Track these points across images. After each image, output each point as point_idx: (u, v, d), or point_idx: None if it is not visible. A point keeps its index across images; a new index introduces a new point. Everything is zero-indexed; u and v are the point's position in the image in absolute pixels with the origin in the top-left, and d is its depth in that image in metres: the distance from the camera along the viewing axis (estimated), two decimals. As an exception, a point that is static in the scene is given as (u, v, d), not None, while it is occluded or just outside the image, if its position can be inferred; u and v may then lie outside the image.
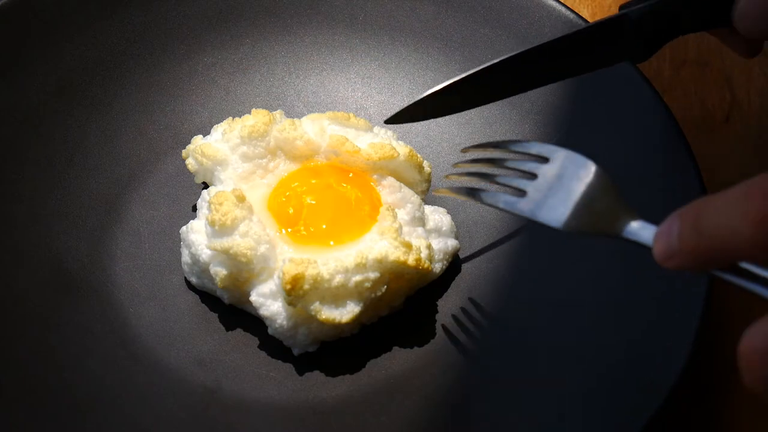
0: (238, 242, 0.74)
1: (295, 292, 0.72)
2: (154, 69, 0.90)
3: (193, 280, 0.79)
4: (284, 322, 0.74)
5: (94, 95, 0.88)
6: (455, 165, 0.73)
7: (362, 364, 0.76)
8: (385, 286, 0.75)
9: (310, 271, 0.72)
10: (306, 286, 0.72)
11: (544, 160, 0.65)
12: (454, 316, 0.78)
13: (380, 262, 0.74)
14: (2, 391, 0.73)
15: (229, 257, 0.74)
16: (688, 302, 0.72)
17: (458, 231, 0.81)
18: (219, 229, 0.75)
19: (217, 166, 0.80)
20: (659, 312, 0.74)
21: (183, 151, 0.82)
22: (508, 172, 0.66)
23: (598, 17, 0.98)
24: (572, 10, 0.90)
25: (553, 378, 0.73)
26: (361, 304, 0.74)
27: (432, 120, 0.87)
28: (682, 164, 0.80)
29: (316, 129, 0.81)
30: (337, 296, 0.74)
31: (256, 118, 0.81)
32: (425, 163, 0.82)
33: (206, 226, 0.76)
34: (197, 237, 0.78)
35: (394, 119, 0.77)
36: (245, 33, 0.92)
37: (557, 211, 0.63)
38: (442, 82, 0.79)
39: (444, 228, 0.80)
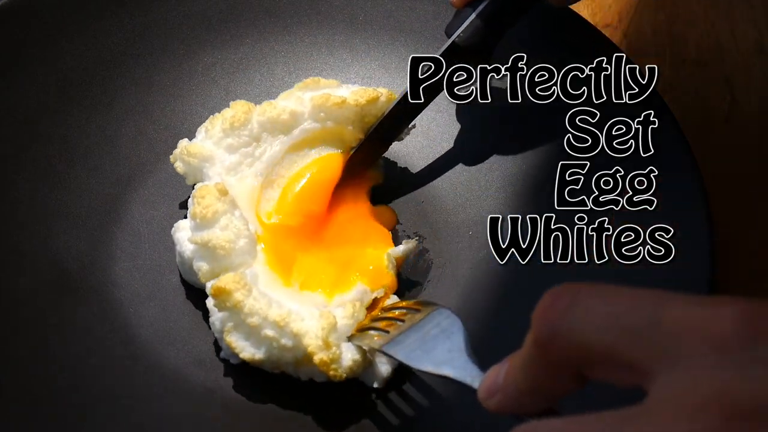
0: (217, 235, 0.75)
1: (217, 300, 0.72)
2: (154, 69, 0.90)
3: (187, 278, 0.79)
4: (216, 323, 0.74)
5: (94, 95, 0.88)
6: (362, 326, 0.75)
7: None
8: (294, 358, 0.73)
9: (236, 296, 0.72)
10: (226, 303, 0.72)
11: (417, 309, 0.71)
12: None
13: (295, 337, 0.71)
14: (2, 391, 0.73)
15: (208, 250, 0.75)
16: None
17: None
18: (200, 221, 0.75)
19: (205, 163, 0.80)
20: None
21: (171, 156, 0.82)
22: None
23: (598, 17, 0.98)
24: (572, 10, 0.89)
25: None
26: (264, 354, 0.72)
27: (432, 120, 0.88)
28: (682, 164, 0.80)
29: (294, 100, 0.82)
30: (250, 333, 0.73)
31: (235, 109, 0.81)
32: None
33: (190, 221, 0.77)
34: (183, 234, 0.78)
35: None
36: (245, 33, 0.92)
37: (410, 350, 0.68)
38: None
39: None
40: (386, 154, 0.86)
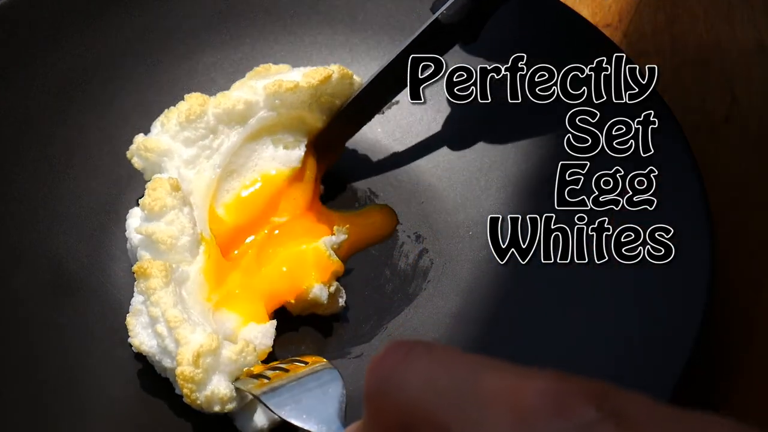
0: (162, 229, 0.75)
1: (136, 276, 0.73)
2: (154, 69, 0.90)
3: (133, 264, 0.79)
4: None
5: (94, 95, 0.88)
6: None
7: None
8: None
9: (152, 282, 0.72)
10: (142, 285, 0.72)
11: (305, 363, 0.71)
12: (454, 315, 0.78)
13: (176, 343, 0.71)
14: (2, 391, 0.73)
15: (151, 242, 0.75)
16: (688, 304, 0.73)
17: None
18: (148, 213, 0.76)
19: (163, 158, 0.80)
20: (658, 314, 0.74)
21: (127, 152, 0.82)
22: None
23: (598, 17, 0.98)
24: (572, 10, 0.90)
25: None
26: (151, 349, 0.72)
27: (432, 120, 0.88)
28: (682, 164, 0.80)
29: (247, 89, 0.82)
30: (149, 323, 0.73)
31: (190, 101, 0.81)
32: (355, 77, 0.83)
33: (140, 211, 0.77)
34: (133, 221, 0.78)
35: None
36: (245, 33, 0.92)
37: (283, 400, 0.68)
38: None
39: None
40: (386, 154, 0.86)
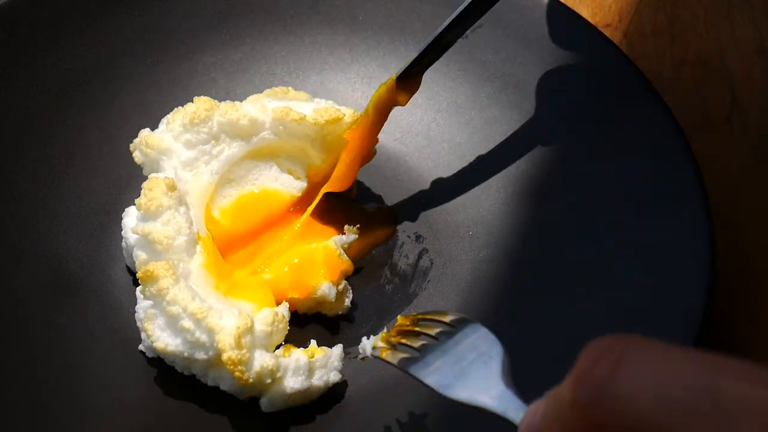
0: (159, 229, 0.75)
1: (143, 286, 0.73)
2: (154, 69, 0.90)
3: (129, 263, 0.79)
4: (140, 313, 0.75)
5: (94, 95, 0.88)
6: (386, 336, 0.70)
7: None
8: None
9: (162, 283, 0.72)
10: (151, 289, 0.72)
11: (452, 327, 0.65)
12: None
13: (210, 332, 0.71)
14: (2, 391, 0.73)
15: (148, 242, 0.75)
16: (688, 304, 0.73)
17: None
18: (144, 213, 0.76)
19: (162, 156, 0.80)
20: (659, 312, 0.74)
21: (131, 145, 0.82)
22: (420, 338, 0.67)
23: (598, 17, 0.98)
24: (572, 10, 0.90)
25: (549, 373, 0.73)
26: (178, 347, 0.72)
27: (432, 120, 0.88)
28: (682, 164, 0.80)
29: (257, 107, 0.81)
30: (169, 322, 0.73)
31: (197, 105, 0.81)
32: None
33: (136, 210, 0.77)
34: (129, 221, 0.78)
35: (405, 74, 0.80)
36: (245, 33, 0.92)
37: (442, 376, 0.62)
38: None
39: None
40: (386, 154, 0.87)
